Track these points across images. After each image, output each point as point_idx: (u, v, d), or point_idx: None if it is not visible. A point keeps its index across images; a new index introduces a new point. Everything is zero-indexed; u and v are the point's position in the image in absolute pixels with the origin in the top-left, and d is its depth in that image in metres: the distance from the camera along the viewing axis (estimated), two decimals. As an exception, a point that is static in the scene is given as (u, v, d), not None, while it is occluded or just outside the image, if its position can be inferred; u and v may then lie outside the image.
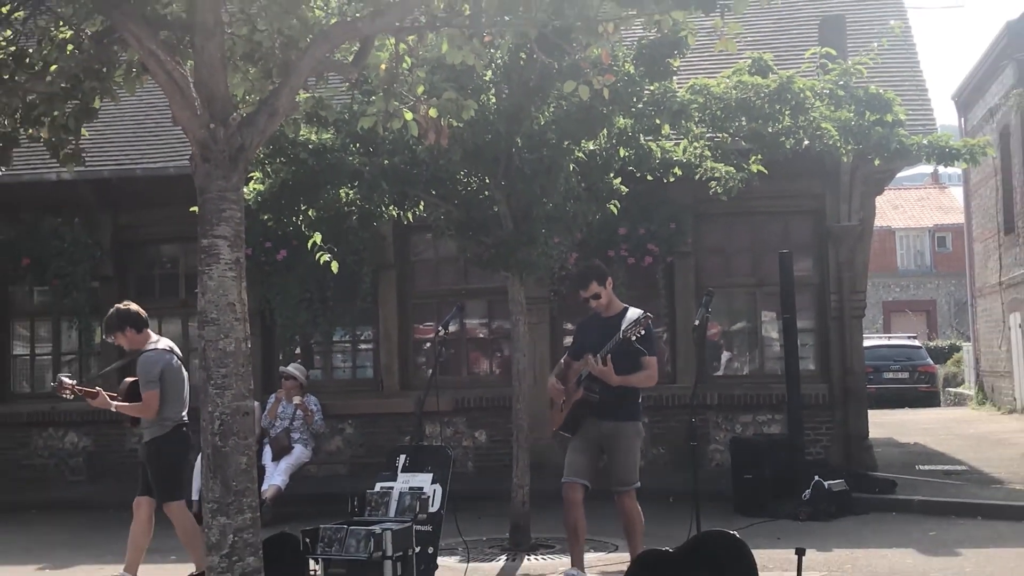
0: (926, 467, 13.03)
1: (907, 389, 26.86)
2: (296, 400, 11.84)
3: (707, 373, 12.99)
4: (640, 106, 8.90)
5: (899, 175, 16.63)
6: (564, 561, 7.92)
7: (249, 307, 5.27)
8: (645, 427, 8.18)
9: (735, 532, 6.24)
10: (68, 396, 7.78)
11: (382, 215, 9.56)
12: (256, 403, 9.83)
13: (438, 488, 7.37)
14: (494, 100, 8.60)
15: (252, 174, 8.99)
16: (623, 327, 7.26)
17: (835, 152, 9.74)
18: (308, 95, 6.86)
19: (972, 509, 10.21)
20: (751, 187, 10.00)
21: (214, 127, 5.11)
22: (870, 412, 13.22)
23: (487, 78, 8.48)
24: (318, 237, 9.27)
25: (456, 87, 6.97)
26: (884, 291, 45.69)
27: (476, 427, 13.14)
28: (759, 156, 9.76)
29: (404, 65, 6.24)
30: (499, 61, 8.43)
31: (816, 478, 10.28)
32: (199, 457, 7.05)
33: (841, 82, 9.60)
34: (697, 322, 8.01)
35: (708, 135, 9.76)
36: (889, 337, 32.73)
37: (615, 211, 9.65)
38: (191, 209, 5.50)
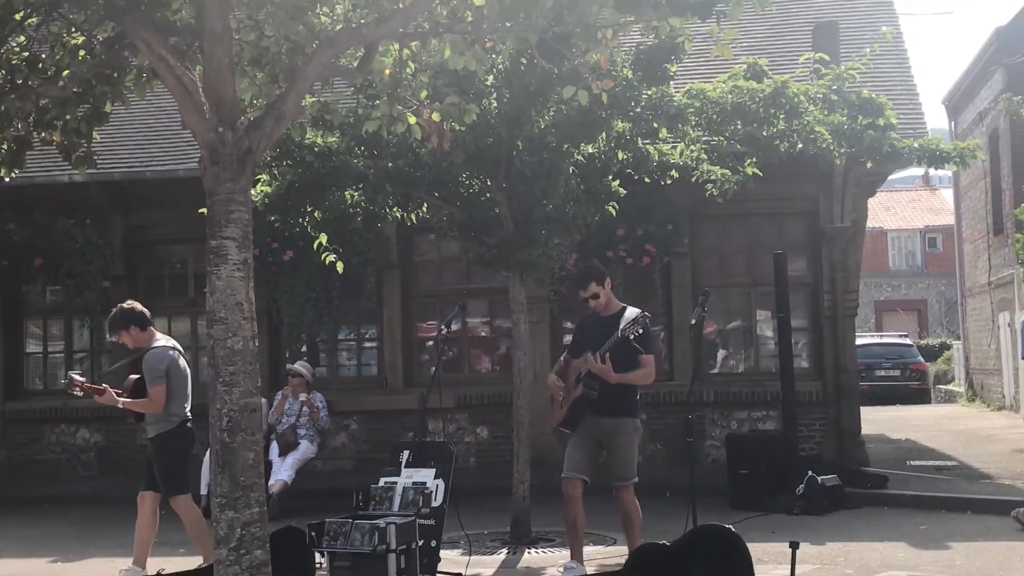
0: (917, 463, 13.12)
1: (899, 386, 26.94)
2: (302, 397, 11.93)
3: (703, 371, 13.01)
4: (638, 110, 8.94)
5: (891, 177, 16.68)
6: (564, 554, 7.96)
7: (256, 306, 5.22)
8: (643, 423, 8.16)
9: (731, 526, 6.25)
10: (78, 393, 7.92)
11: (386, 216, 9.60)
12: (263, 400, 9.93)
13: (441, 483, 7.43)
14: (495, 104, 8.63)
15: (259, 176, 9.02)
16: (621, 326, 7.30)
17: (828, 155, 9.79)
18: (314, 99, 6.86)
19: (962, 504, 10.27)
20: (746, 189, 10.05)
21: (222, 131, 5.08)
22: (862, 409, 13.28)
23: (488, 83, 8.51)
24: (324, 238, 9.32)
25: (458, 92, 7.01)
26: (876, 291, 45.74)
27: (478, 423, 13.21)
28: (754, 159, 9.81)
29: (408, 70, 6.28)
30: (500, 66, 8.47)
31: (810, 473, 10.33)
32: (207, 452, 7.20)
33: (834, 87, 9.64)
34: (694, 321, 8.13)
35: (704, 138, 9.79)
36: (881, 336, 32.89)
37: (614, 213, 9.69)
38: (200, 211, 5.47)
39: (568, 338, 11.77)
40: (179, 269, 14.32)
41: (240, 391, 5.02)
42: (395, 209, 9.51)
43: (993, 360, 21.62)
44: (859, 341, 16.42)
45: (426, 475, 7.43)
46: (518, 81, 8.52)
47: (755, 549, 6.36)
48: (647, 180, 9.84)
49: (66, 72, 5.96)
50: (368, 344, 14.01)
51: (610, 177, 9.57)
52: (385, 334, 13.53)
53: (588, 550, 8.04)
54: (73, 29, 6.04)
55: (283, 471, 11.34)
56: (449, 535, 8.14)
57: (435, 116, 6.07)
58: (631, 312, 7.47)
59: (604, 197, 9.52)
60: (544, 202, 8.93)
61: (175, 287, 14.15)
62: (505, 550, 8.76)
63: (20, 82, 5.92)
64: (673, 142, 9.89)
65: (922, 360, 28.91)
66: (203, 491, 10.43)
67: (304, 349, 13.74)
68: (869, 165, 10.58)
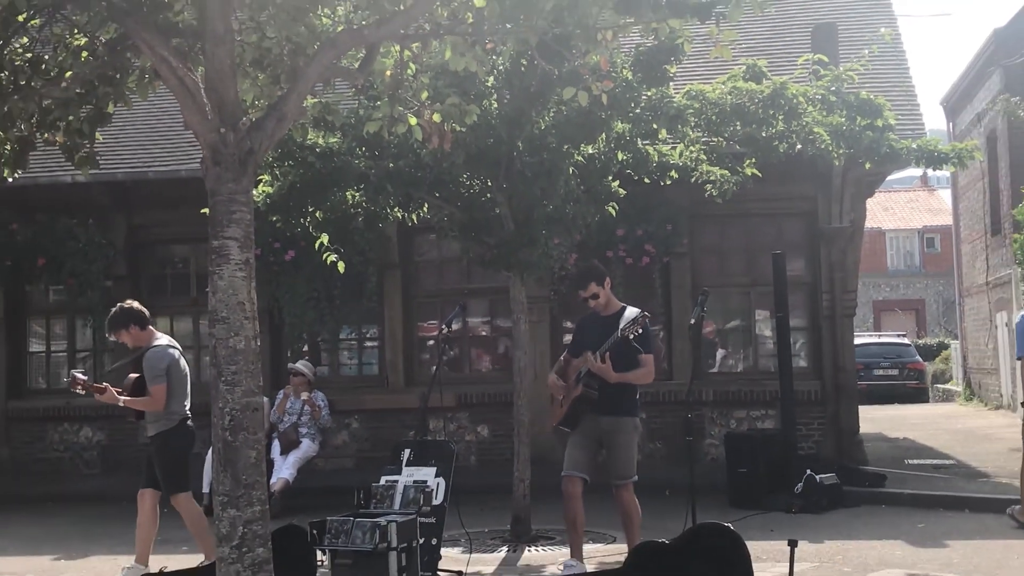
0: (915, 461, 13.15)
1: (896, 386, 26.98)
2: (304, 396, 11.98)
3: (702, 370, 13.03)
4: (638, 111, 8.98)
5: (889, 178, 16.66)
6: (564, 552, 8.00)
7: (258, 306, 5.22)
8: (642, 422, 8.19)
9: (730, 524, 6.21)
10: (80, 391, 7.95)
11: (387, 217, 9.64)
12: (265, 399, 9.95)
13: (441, 481, 7.47)
14: (496, 105, 8.66)
15: (261, 177, 9.06)
16: (621, 326, 7.33)
17: (827, 156, 9.81)
18: (315, 100, 6.83)
19: (959, 502, 10.30)
20: (745, 190, 10.08)
21: (224, 131, 5.08)
22: (860, 408, 13.30)
23: (489, 84, 8.54)
24: (325, 238, 9.34)
25: (459, 93, 7.02)
26: (874, 290, 45.85)
27: (478, 422, 13.24)
28: (753, 160, 9.84)
29: (409, 71, 6.30)
30: (501, 67, 8.50)
31: (808, 472, 10.37)
32: (210, 451, 7.23)
33: (833, 88, 9.66)
34: (693, 321, 8.15)
35: (704, 139, 9.83)
36: (879, 335, 32.93)
37: (613, 213, 9.73)
38: (202, 211, 5.46)
39: (568, 338, 11.81)
40: (181, 269, 14.35)
41: (242, 390, 5.02)
42: (396, 209, 9.55)
43: (991, 359, 21.66)
44: (857, 340, 16.43)
45: (427, 473, 7.47)
46: (518, 82, 8.54)
47: (754, 547, 6.35)
48: (647, 180, 9.87)
49: (69, 73, 5.97)
50: (369, 343, 14.04)
51: (610, 177, 9.59)
52: (386, 333, 13.56)
53: (588, 548, 8.07)
54: (76, 30, 6.05)
55: (285, 469, 11.39)
56: (450, 533, 8.18)
57: (436, 117, 6.08)
58: (631, 312, 7.50)
59: (604, 197, 9.54)
60: (544, 202, 8.96)
61: (177, 287, 14.19)
62: (505, 548, 8.80)
63: (23, 83, 5.91)
64: (672, 143, 9.91)
65: (920, 359, 28.97)
66: (205, 489, 10.49)
67: (306, 348, 13.79)
68: (867, 166, 10.60)
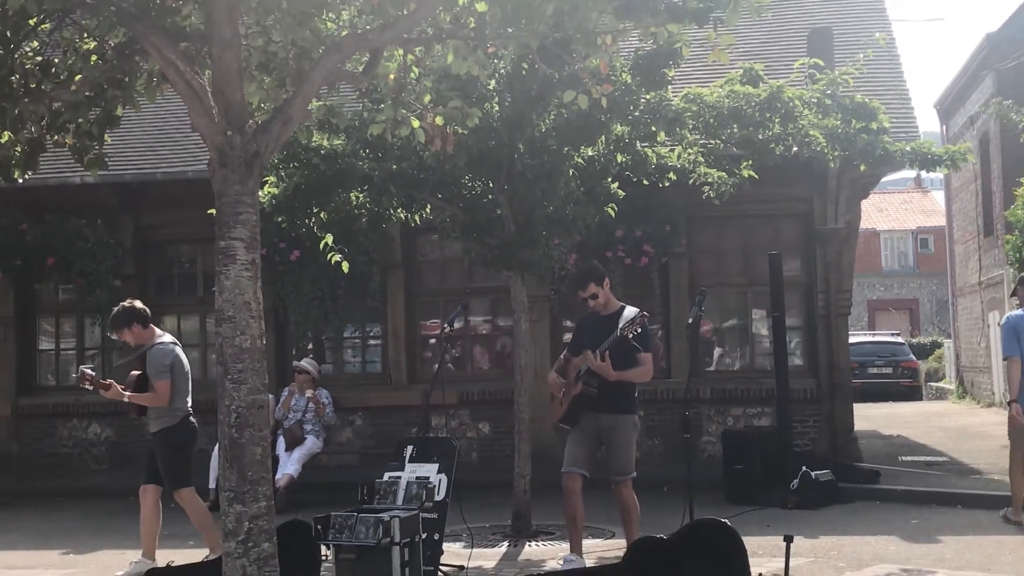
0: (909, 458, 13.20)
1: (891, 384, 27.08)
2: (308, 393, 12.05)
3: (700, 368, 13.06)
4: (637, 114, 9.03)
5: (883, 180, 16.73)
6: (563, 547, 8.06)
7: (264, 305, 5.27)
8: (641, 420, 8.24)
9: (726, 520, 6.21)
10: (88, 387, 8.06)
11: (390, 217, 9.68)
12: (271, 396, 10.06)
13: (444, 477, 7.52)
14: (497, 108, 8.71)
15: (267, 178, 9.11)
16: (620, 325, 7.38)
17: (822, 158, 9.86)
18: (320, 103, 6.86)
19: (952, 498, 10.34)
20: (742, 191, 10.12)
21: (231, 134, 5.13)
22: (855, 406, 13.34)
23: (491, 87, 8.59)
24: (329, 238, 9.38)
25: (461, 96, 7.14)
26: (869, 290, 46.01)
27: (480, 419, 13.29)
28: (750, 162, 9.87)
29: (412, 75, 6.40)
30: (502, 71, 8.52)
31: (804, 469, 10.43)
32: (216, 447, 7.35)
33: (828, 91, 9.71)
34: (691, 320, 8.23)
35: (701, 142, 9.87)
36: (874, 334, 33.06)
37: (613, 214, 9.77)
38: (209, 212, 5.55)
39: (568, 336, 11.89)
40: (188, 269, 14.43)
41: (248, 388, 5.07)
42: (399, 210, 9.60)
43: (983, 358, 21.77)
44: (852, 339, 16.51)
45: (429, 470, 7.52)
46: (519, 86, 8.58)
47: (750, 542, 6.34)
48: (645, 182, 9.92)
49: (78, 76, 6.05)
50: (373, 342, 14.10)
51: (609, 179, 9.64)
52: (389, 332, 13.63)
53: (587, 543, 8.13)
54: (85, 35, 6.13)
55: (289, 465, 11.47)
56: (452, 528, 8.22)
57: (438, 120, 6.18)
58: (630, 311, 7.55)
59: (603, 199, 9.59)
60: (545, 204, 9.01)
61: (184, 286, 14.28)
62: (506, 543, 8.86)
63: (34, 86, 6.00)
64: (671, 145, 9.95)
65: (914, 358, 29.09)
66: (211, 485, 10.58)
67: (310, 347, 13.87)
68: (862, 168, 10.63)
